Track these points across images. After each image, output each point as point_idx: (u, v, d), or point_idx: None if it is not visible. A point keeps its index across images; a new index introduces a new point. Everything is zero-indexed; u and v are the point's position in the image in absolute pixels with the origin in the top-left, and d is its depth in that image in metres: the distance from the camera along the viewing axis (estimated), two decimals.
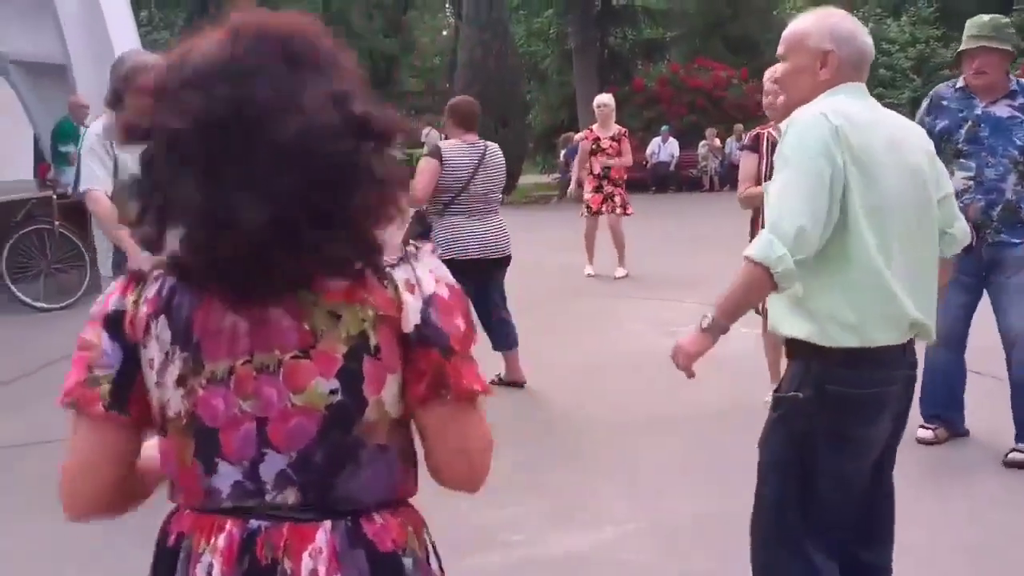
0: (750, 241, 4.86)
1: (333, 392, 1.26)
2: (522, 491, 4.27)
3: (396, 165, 1.27)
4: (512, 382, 5.90)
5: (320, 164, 1.18)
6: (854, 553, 2.49)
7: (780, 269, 2.16)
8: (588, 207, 9.94)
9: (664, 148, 20.86)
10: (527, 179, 20.81)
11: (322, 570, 1.26)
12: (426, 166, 5.56)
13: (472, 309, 1.37)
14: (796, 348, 2.35)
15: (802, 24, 2.45)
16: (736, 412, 4.89)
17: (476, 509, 4.04)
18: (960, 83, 4.56)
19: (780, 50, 2.50)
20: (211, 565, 1.27)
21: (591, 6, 23.69)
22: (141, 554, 1.45)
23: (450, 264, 4.73)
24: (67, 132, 9.92)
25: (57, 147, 10.05)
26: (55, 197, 9.21)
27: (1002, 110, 4.39)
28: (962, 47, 4.47)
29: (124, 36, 11.08)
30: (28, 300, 8.82)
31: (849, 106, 2.31)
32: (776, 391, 2.45)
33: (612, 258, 10.11)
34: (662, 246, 11.65)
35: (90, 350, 1.31)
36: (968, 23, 4.51)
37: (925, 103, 4.71)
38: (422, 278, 1.30)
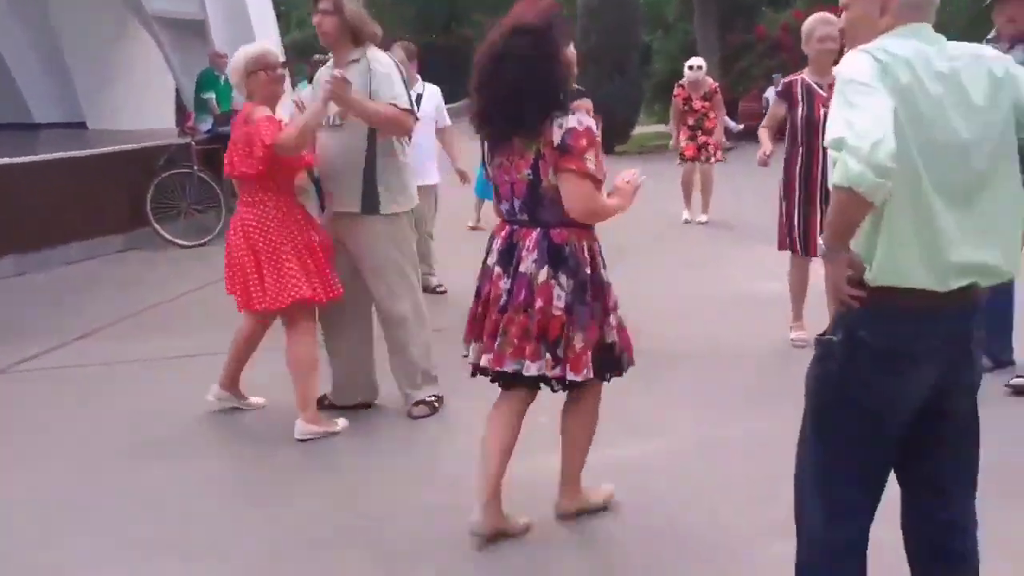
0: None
1: (529, 174, 3.16)
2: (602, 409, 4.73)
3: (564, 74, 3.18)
4: None
5: (533, 88, 3.09)
6: (928, 512, 2.48)
7: (854, 183, 2.06)
8: (682, 156, 10.51)
9: None
10: (643, 129, 20.87)
11: (531, 245, 3.19)
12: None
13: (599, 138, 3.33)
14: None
15: None
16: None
17: (552, 423, 4.53)
18: (992, 35, 4.90)
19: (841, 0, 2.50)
20: (496, 240, 3.32)
21: None
22: None
23: None
24: (209, 81, 10.66)
25: (200, 95, 10.78)
26: (194, 144, 10.01)
27: (1019, 54, 4.50)
28: None
29: None
30: (170, 237, 9.69)
31: (901, 46, 2.24)
32: (819, 334, 2.41)
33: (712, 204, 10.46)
34: (756, 196, 11.78)
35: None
36: None
37: None
38: (569, 121, 3.09)
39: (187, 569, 3.32)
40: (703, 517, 3.58)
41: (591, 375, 3.27)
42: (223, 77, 10.38)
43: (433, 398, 4.75)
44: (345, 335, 4.73)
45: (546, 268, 3.17)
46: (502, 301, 3.24)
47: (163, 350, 5.93)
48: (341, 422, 4.55)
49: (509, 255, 3.24)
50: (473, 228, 10.04)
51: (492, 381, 3.42)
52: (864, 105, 2.12)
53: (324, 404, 4.71)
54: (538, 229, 3.20)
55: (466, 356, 3.43)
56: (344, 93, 4.28)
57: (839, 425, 2.38)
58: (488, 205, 10.24)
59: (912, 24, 2.32)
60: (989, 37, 4.93)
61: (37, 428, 4.72)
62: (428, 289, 7.31)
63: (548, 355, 3.20)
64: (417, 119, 4.68)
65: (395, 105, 4.43)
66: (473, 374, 3.44)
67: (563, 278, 3.17)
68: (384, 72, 4.48)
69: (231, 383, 4.79)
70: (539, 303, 3.17)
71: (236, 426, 4.67)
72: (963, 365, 2.37)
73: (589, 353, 3.23)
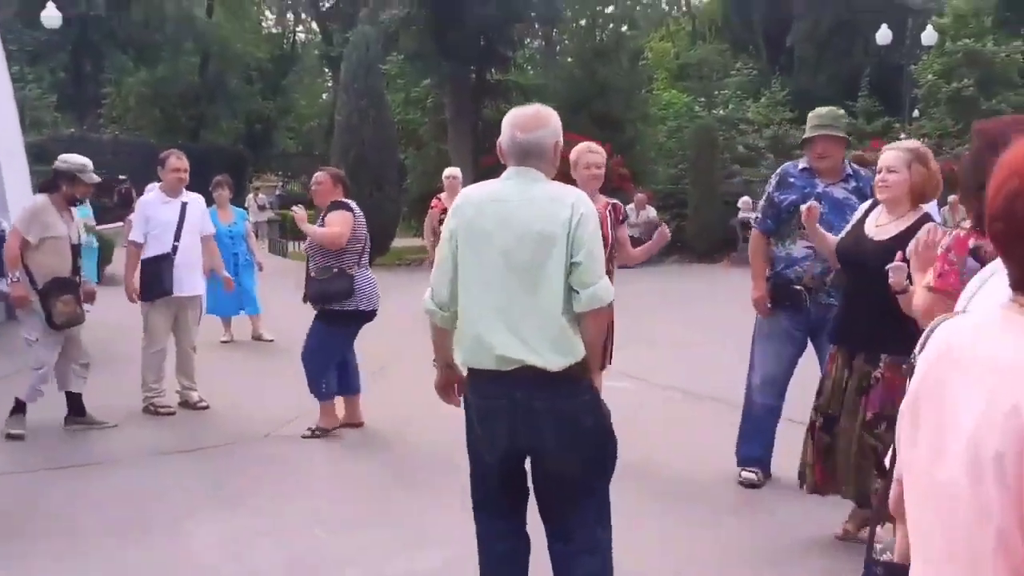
0: None
1: None
2: (374, 520, 4.74)
3: None
4: (352, 424, 6.46)
5: None
6: (552, 546, 3.23)
7: (425, 311, 3.17)
8: None
9: None
10: (401, 242, 21.18)
11: None
12: (343, 218, 6.06)
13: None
14: None
15: None
16: None
17: (332, 537, 4.51)
18: (803, 164, 5.24)
19: None
20: None
21: (466, 79, 24.46)
22: None
23: (361, 315, 5.67)
24: None
25: None
26: None
27: (839, 192, 5.07)
28: (807, 135, 5.15)
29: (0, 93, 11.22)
30: None
31: (482, 189, 3.20)
32: None
33: None
34: None
35: None
36: (810, 115, 5.23)
37: (774, 179, 5.31)
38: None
39: None
40: None
41: None
42: None
43: None
44: None
45: None
46: None
47: None
48: None
49: None
50: (225, 342, 9.85)
51: None
52: (438, 256, 3.16)
53: None
54: None
55: None
56: None
57: (471, 459, 3.28)
58: (236, 319, 10.08)
59: (512, 167, 3.12)
60: (803, 167, 5.22)
61: None
62: (189, 405, 7.04)
63: None
64: None
65: None
66: None
67: None
68: None
69: None
70: None
71: None
72: (532, 431, 3.03)
73: None
